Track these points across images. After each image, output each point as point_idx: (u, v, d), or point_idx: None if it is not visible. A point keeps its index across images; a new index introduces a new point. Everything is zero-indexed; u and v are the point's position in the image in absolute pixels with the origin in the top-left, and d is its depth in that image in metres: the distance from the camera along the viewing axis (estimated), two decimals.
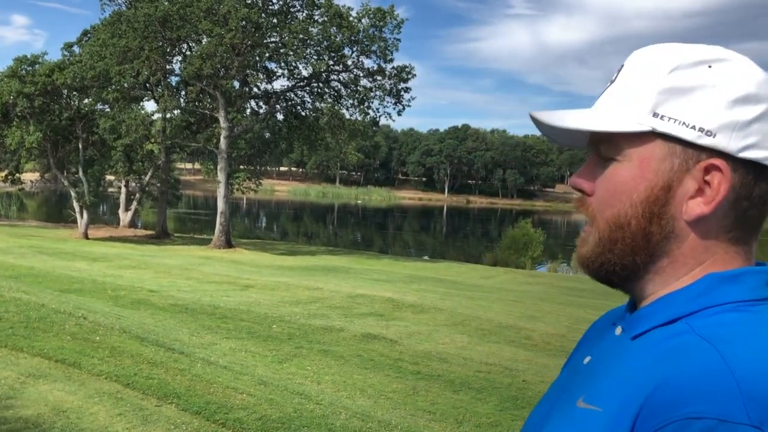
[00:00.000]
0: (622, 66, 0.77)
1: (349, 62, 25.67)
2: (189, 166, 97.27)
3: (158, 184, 30.28)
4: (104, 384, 4.90)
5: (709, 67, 0.72)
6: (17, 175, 29.99)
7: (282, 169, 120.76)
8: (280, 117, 28.67)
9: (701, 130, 0.70)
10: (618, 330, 0.78)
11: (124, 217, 32.49)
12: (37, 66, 26.12)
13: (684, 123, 0.71)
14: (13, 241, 20.10)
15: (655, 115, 0.72)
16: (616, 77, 0.77)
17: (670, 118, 0.71)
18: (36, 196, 54.34)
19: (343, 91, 26.62)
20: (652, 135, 0.72)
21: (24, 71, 25.87)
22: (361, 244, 40.29)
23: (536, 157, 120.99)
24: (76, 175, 27.90)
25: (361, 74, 25.92)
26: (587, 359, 0.80)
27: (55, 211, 40.15)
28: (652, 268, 0.75)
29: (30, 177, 36.30)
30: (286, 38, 23.96)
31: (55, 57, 27.81)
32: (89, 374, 5.10)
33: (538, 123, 0.79)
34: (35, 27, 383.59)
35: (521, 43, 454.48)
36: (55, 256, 16.28)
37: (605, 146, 0.76)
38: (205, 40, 24.25)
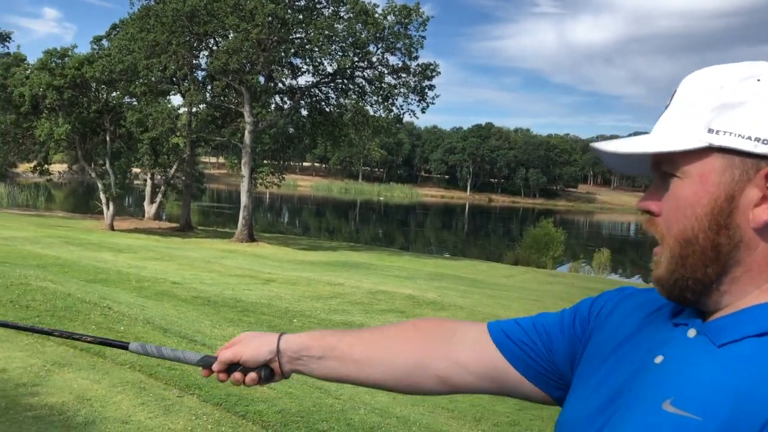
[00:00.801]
0: (675, 91, 0.80)
1: (374, 59, 25.67)
2: (213, 160, 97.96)
3: (183, 178, 30.57)
4: (128, 374, 4.98)
5: (758, 80, 0.74)
6: (46, 166, 30.44)
7: (305, 164, 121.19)
8: (304, 112, 28.74)
9: (757, 139, 0.72)
10: (692, 332, 0.77)
11: (149, 209, 32.84)
12: (66, 59, 26.43)
13: (739, 135, 0.72)
14: (40, 231, 20.43)
15: (710, 130, 0.74)
16: (670, 102, 0.80)
17: (725, 132, 0.73)
18: (63, 187, 55.12)
19: (368, 88, 26.62)
20: (710, 150, 0.74)
21: (54, 64, 26.21)
22: (383, 240, 40.33)
23: (559, 157, 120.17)
24: (103, 167, 28.26)
25: (386, 71, 25.90)
26: (659, 359, 0.78)
27: (82, 203, 40.69)
28: (726, 279, 0.75)
29: (58, 168, 36.86)
30: (312, 34, 24.02)
31: (84, 50, 28.09)
32: (113, 363, 5.18)
33: (598, 153, 0.81)
34: (65, 20, 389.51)
35: (547, 41, 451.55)
36: (82, 246, 16.52)
37: (666, 166, 0.78)
38: (231, 36, 24.39)
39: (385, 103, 26.18)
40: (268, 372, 1.09)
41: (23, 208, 35.23)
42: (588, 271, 26.57)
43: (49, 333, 1.23)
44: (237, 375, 1.09)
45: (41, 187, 40.03)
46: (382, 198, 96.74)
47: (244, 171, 25.64)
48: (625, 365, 0.82)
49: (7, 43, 41.17)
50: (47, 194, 42.10)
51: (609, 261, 26.67)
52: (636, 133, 0.85)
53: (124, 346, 1.15)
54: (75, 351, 5.39)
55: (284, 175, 33.03)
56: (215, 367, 1.10)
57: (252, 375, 1.08)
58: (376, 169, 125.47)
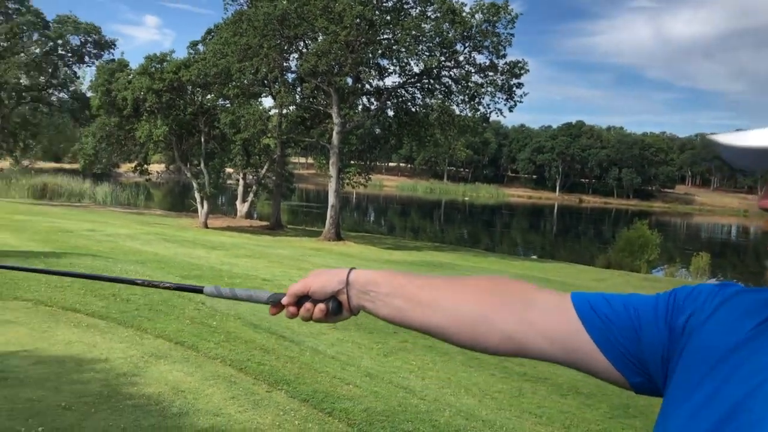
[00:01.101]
0: None
1: (461, 58, 25.52)
2: (302, 160, 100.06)
3: (273, 177, 31.39)
4: (219, 367, 5.13)
5: None
6: (145, 166, 32.00)
7: (391, 164, 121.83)
8: (390, 113, 28.94)
9: None
10: None
11: (241, 208, 33.92)
12: (165, 64, 27.68)
13: None
14: (139, 228, 21.45)
15: None
16: None
17: None
18: (161, 187, 57.62)
19: (454, 87, 26.49)
20: None
21: (153, 69, 27.51)
22: (468, 241, 40.01)
23: (655, 156, 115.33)
24: (197, 167, 29.42)
25: (473, 70, 25.70)
26: None
27: (178, 201, 42.48)
28: None
29: (156, 168, 38.58)
30: (399, 35, 24.12)
31: (181, 55, 29.49)
32: (206, 357, 5.35)
33: (717, 147, 0.73)
34: (165, 27, 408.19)
35: (642, 37, 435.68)
36: (177, 243, 17.22)
37: None
38: (320, 38, 24.84)
39: (472, 103, 25.98)
40: (336, 304, 1.10)
41: (125, 206, 37.13)
42: (685, 275, 25.43)
43: (131, 282, 1.34)
44: (307, 305, 1.10)
45: (141, 186, 42.08)
46: (467, 198, 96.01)
47: (332, 171, 26.04)
48: (738, 379, 0.73)
49: (112, 51, 43.49)
50: (146, 193, 44.19)
51: (708, 265, 25.40)
52: (738, 131, 0.75)
53: (199, 290, 1.19)
54: (170, 344, 5.61)
55: (370, 175, 33.31)
56: (285, 300, 1.11)
57: (321, 306, 1.09)
58: (462, 169, 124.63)
